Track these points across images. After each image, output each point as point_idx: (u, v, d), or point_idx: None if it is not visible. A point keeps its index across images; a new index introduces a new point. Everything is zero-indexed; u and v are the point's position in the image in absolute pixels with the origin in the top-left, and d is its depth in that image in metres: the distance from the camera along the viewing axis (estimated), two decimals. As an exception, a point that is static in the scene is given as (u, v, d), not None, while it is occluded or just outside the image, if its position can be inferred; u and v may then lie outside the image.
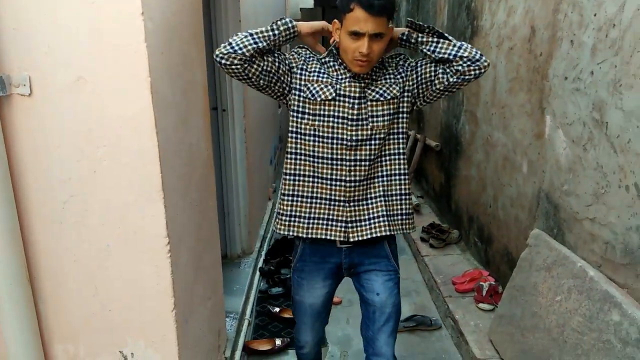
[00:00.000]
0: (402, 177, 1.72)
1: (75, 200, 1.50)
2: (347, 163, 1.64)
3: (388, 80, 1.66)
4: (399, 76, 1.68)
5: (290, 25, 1.59)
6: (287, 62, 1.65)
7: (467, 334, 2.61)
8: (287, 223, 1.71)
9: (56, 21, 1.38)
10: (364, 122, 1.64)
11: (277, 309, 2.95)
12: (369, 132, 1.64)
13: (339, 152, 1.64)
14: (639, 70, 1.79)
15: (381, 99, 1.64)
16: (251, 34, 1.52)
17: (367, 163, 1.66)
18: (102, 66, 1.41)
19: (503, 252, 3.02)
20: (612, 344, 1.73)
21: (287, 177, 1.70)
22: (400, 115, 1.69)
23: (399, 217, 1.73)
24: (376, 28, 1.49)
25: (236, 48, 1.49)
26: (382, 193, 1.69)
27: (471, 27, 3.69)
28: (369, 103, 1.63)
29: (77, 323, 1.60)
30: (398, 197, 1.73)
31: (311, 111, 1.64)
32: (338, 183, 1.65)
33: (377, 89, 1.65)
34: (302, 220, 1.69)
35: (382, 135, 1.65)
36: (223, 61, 1.51)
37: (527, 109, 2.71)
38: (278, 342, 2.64)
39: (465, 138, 3.76)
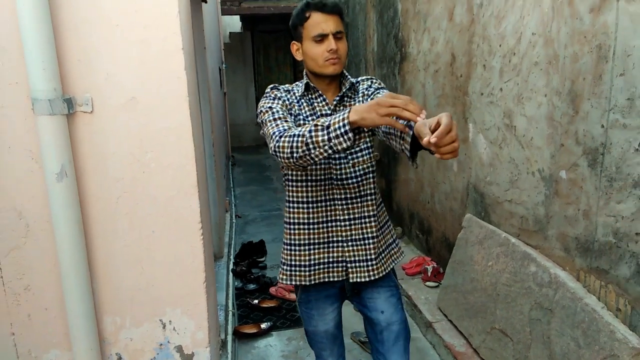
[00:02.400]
0: (381, 205, 1.78)
1: (127, 195, 1.87)
2: (340, 202, 1.66)
3: None
4: (366, 99, 1.66)
5: (347, 130, 1.32)
6: (291, 117, 1.62)
7: (420, 305, 3.17)
8: (288, 273, 1.72)
9: (113, 53, 1.78)
10: (347, 159, 1.66)
11: (256, 301, 3.36)
12: (352, 168, 1.65)
13: (330, 192, 1.65)
14: (534, 86, 2.46)
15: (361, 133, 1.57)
16: (308, 147, 1.36)
17: (358, 200, 1.67)
18: (150, 89, 1.82)
19: (442, 239, 3.64)
20: (532, 289, 2.34)
21: (286, 225, 1.72)
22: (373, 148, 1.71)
23: (392, 248, 1.80)
24: (336, 26, 1.56)
25: (295, 155, 1.39)
26: (375, 232, 1.69)
27: (400, 54, 4.37)
28: None
29: (124, 298, 1.95)
30: (386, 228, 1.79)
31: None
32: (333, 225, 1.67)
33: None
34: (302, 268, 1.68)
35: (364, 171, 1.67)
36: (284, 163, 1.47)
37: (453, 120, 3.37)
38: (263, 325, 3.04)
39: (401, 147, 4.40)
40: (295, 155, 1.38)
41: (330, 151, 1.35)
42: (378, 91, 1.66)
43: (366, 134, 1.67)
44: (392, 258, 1.79)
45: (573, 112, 2.19)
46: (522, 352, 2.27)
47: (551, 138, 2.35)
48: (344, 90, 1.66)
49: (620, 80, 1.89)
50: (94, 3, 1.73)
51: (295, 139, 1.38)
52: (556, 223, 2.32)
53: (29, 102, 1.70)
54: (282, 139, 1.42)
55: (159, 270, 1.95)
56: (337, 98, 1.66)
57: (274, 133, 1.47)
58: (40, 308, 1.88)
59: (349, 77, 1.69)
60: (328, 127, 1.33)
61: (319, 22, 1.55)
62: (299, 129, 1.41)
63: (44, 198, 1.77)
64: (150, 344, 1.99)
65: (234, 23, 11.77)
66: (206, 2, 3.87)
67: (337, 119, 1.32)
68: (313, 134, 1.34)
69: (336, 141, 1.32)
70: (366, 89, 1.69)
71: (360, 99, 1.68)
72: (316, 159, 1.38)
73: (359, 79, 1.74)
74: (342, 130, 1.31)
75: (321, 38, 1.55)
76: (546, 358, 2.11)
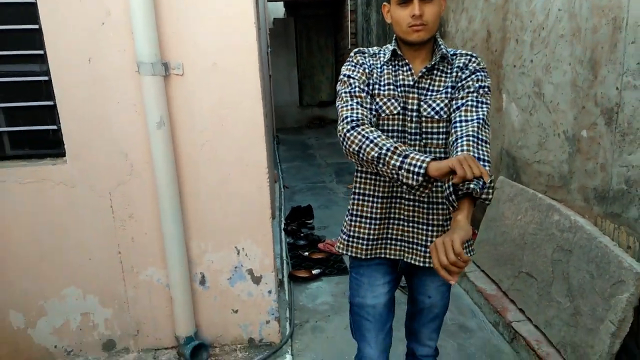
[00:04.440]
0: None
1: (209, 144, 2.29)
2: None
3: (446, 89, 1.51)
4: (457, 83, 1.51)
5: (420, 173, 1.28)
6: (369, 93, 1.54)
7: (453, 259, 3.50)
8: (345, 242, 1.66)
9: (200, 26, 2.19)
10: (420, 138, 1.54)
11: (306, 253, 3.81)
12: (423, 149, 1.53)
13: (395, 185, 1.56)
14: (560, 56, 2.73)
15: (436, 117, 1.51)
16: (378, 160, 1.34)
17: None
18: (229, 56, 2.22)
19: (478, 205, 3.93)
20: (554, 235, 2.63)
21: (352, 196, 1.67)
22: None
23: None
24: None
25: (361, 155, 1.39)
26: (440, 221, 1.56)
27: (439, 33, 4.64)
28: (423, 118, 1.51)
29: (207, 227, 2.38)
30: None
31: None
32: (397, 201, 1.58)
33: (432, 103, 1.51)
34: (360, 241, 1.62)
35: (435, 155, 1.52)
36: (346, 153, 1.45)
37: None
38: (314, 271, 3.46)
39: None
40: (361, 156, 1.37)
41: (395, 177, 1.32)
42: (473, 75, 1.49)
43: (442, 136, 1.53)
44: None
45: (593, 77, 2.46)
46: (545, 289, 2.58)
47: (574, 102, 2.62)
48: (434, 61, 1.51)
49: (632, 47, 2.16)
50: (183, -15, 2.13)
51: (368, 143, 1.36)
52: (578, 177, 2.60)
53: (134, 65, 2.13)
54: (354, 132, 1.40)
55: (234, 206, 2.36)
56: (424, 70, 1.51)
57: (347, 117, 1.44)
58: (141, 232, 2.34)
59: (442, 46, 1.52)
60: (406, 156, 1.30)
61: None
62: (378, 135, 1.37)
63: (145, 143, 2.21)
64: (227, 266, 2.43)
65: (277, 10, 12.18)
66: (261, -13, 4.27)
67: (418, 157, 1.28)
68: (389, 154, 1.32)
69: (405, 174, 1.29)
70: (461, 68, 1.51)
71: (454, 77, 1.51)
72: (379, 172, 1.37)
73: (458, 51, 1.56)
74: (416, 170, 1.27)
75: (405, 1, 1.44)
76: (565, 291, 2.41)
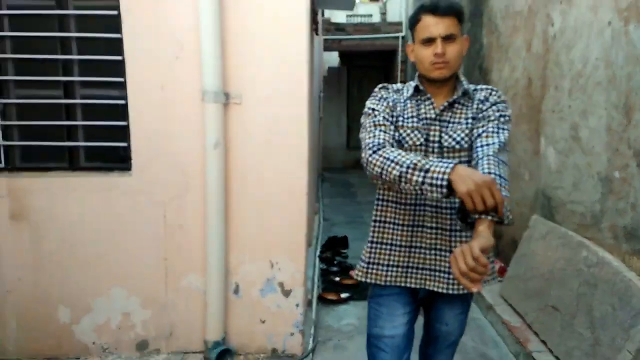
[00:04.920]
0: None
1: (257, 165, 2.55)
2: (430, 209, 1.58)
3: (467, 121, 1.56)
4: (478, 114, 1.55)
5: (443, 185, 1.29)
6: (393, 124, 1.59)
7: (484, 293, 3.54)
8: (365, 270, 1.66)
9: (258, 62, 2.48)
10: None
11: (338, 278, 4.01)
12: None
13: (421, 197, 1.57)
14: (596, 102, 2.84)
15: (457, 146, 1.55)
16: (400, 178, 1.36)
17: (449, 211, 1.57)
18: (282, 89, 2.50)
19: (510, 242, 3.98)
20: (582, 270, 2.66)
21: (373, 223, 1.68)
22: None
23: None
24: (446, 29, 1.48)
25: (384, 177, 1.40)
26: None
27: (483, 81, 4.82)
28: (444, 149, 1.56)
29: (246, 240, 2.61)
30: None
31: None
32: (419, 229, 1.59)
33: (453, 134, 1.55)
34: (380, 267, 1.63)
35: None
36: (370, 176, 1.47)
37: (528, 135, 3.77)
38: (343, 295, 3.62)
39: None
40: (384, 176, 1.39)
41: (419, 193, 1.33)
42: (494, 107, 1.54)
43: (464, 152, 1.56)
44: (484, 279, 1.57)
45: (626, 121, 2.56)
46: (568, 321, 2.60)
47: (608, 145, 2.71)
48: (455, 96, 1.57)
49: (661, 91, 2.27)
50: (243, 23, 2.44)
51: (389, 163, 1.37)
52: (609, 216, 2.65)
53: (199, 93, 2.44)
54: (376, 155, 1.42)
55: (274, 223, 2.58)
56: (446, 103, 1.57)
57: (369, 143, 1.47)
58: (187, 242, 2.59)
59: (464, 82, 1.59)
60: (427, 170, 1.30)
61: (428, 25, 1.50)
62: (398, 153, 1.39)
63: (201, 162, 2.48)
64: (260, 277, 2.63)
65: (332, 60, 12.77)
66: (317, 35, 4.63)
67: (438, 168, 1.29)
68: (410, 170, 1.33)
69: (429, 188, 1.30)
70: (482, 101, 1.57)
71: (474, 110, 1.56)
72: (404, 191, 1.38)
73: (478, 87, 1.62)
74: (439, 182, 1.28)
75: (429, 41, 1.50)
76: (587, 323, 2.43)
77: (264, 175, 2.55)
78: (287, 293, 2.65)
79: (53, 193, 2.54)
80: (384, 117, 1.56)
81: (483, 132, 1.49)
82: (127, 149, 2.57)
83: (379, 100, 1.61)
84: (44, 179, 2.55)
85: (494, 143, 1.45)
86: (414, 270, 1.60)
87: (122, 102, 2.53)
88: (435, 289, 1.58)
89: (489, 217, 1.25)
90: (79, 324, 2.66)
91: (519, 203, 3.88)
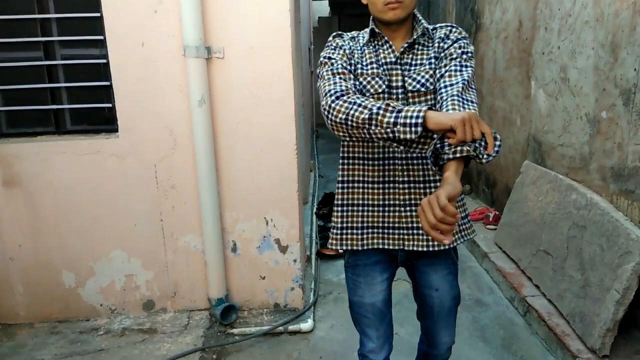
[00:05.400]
0: None
1: (245, 121, 2.53)
2: (400, 162, 1.49)
3: (430, 61, 1.47)
4: (440, 53, 1.47)
5: (418, 123, 1.21)
6: (352, 73, 1.48)
7: (479, 242, 3.60)
8: (339, 237, 1.55)
9: (240, 14, 2.42)
10: None
11: None
12: None
13: (389, 150, 1.48)
14: (584, 42, 2.80)
15: (422, 89, 1.45)
16: (369, 121, 1.26)
17: (421, 162, 1.47)
18: (265, 41, 2.45)
19: (504, 190, 4.01)
20: (571, 213, 2.71)
21: (338, 185, 1.59)
22: None
23: (461, 224, 1.55)
24: None
25: (349, 122, 1.29)
26: None
27: (475, 25, 4.72)
28: (409, 93, 1.46)
29: (239, 199, 2.62)
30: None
31: None
32: (391, 185, 1.50)
33: (417, 76, 1.46)
34: (354, 231, 1.53)
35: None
36: (332, 125, 1.35)
37: (519, 79, 3.73)
38: (341, 250, 3.64)
39: (473, 112, 4.79)
40: (349, 122, 1.29)
41: (390, 135, 1.24)
42: (455, 44, 1.46)
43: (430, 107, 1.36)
44: (459, 234, 1.55)
45: (613, 60, 2.53)
46: (559, 265, 2.66)
47: (596, 84, 2.69)
48: (415, 36, 1.48)
49: (648, 27, 2.23)
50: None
51: (356, 107, 1.28)
52: (597, 157, 2.67)
53: (181, 49, 2.40)
54: (339, 101, 1.32)
55: (265, 179, 2.59)
56: (406, 45, 1.47)
57: (329, 90, 1.37)
58: (181, 202, 2.61)
59: (422, 21, 1.50)
60: (399, 111, 1.23)
61: None
62: (365, 98, 1.32)
63: (188, 120, 2.47)
64: (256, 235, 2.66)
65: (322, 9, 12.42)
66: (300, -18, 4.49)
67: (412, 108, 1.22)
68: (382, 111, 1.24)
69: (402, 129, 1.21)
70: (442, 39, 1.49)
71: (436, 49, 1.48)
72: (372, 137, 1.28)
73: (437, 25, 1.54)
74: (413, 121, 1.20)
75: None
76: (577, 265, 2.50)
77: (252, 130, 2.54)
78: (284, 249, 2.70)
79: (43, 158, 2.54)
80: (342, 65, 1.46)
81: (446, 71, 1.41)
82: (112, 110, 2.55)
83: (335, 49, 1.51)
84: (33, 144, 2.54)
85: (457, 82, 1.37)
86: (390, 231, 1.51)
87: (103, 61, 2.49)
88: (415, 249, 1.49)
89: (478, 150, 1.18)
90: (84, 287, 2.72)
91: (511, 149, 3.89)
